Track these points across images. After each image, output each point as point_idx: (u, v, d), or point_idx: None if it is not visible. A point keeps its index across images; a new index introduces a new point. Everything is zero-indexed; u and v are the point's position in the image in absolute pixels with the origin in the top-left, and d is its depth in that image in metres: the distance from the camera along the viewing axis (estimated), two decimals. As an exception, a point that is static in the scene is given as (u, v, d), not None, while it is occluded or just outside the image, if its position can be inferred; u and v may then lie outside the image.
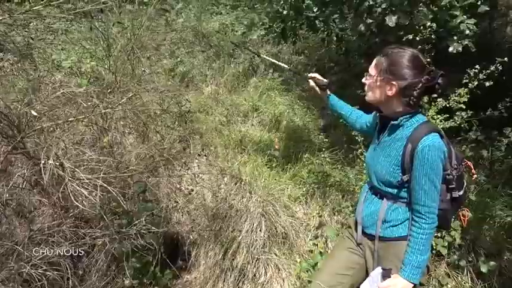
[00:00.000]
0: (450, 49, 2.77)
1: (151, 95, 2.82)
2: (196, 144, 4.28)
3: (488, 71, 2.80)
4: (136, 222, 2.19)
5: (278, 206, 3.11)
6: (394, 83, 1.63)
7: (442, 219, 1.71)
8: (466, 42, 2.73)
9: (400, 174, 1.67)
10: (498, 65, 2.80)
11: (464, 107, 2.78)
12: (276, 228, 2.97)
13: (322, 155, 3.77)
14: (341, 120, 2.30)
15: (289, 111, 5.08)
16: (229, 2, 8.13)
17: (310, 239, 3.24)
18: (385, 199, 1.78)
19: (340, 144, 4.20)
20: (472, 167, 1.79)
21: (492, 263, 2.76)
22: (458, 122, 2.90)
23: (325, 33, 3.71)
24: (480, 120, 3.37)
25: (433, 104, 2.87)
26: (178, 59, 5.52)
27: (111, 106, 2.26)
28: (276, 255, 2.86)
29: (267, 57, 2.46)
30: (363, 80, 1.78)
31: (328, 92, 2.18)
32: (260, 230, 2.83)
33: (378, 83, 1.69)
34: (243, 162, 3.51)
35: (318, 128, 4.96)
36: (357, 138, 3.36)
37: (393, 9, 2.60)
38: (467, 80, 2.86)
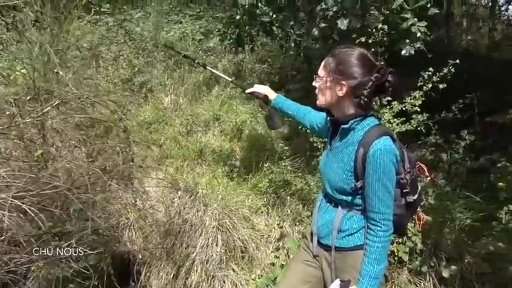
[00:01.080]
0: (403, 52, 2.76)
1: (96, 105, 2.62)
2: (152, 155, 4.09)
3: (442, 74, 2.80)
4: (70, 243, 1.98)
5: (236, 218, 2.97)
6: (343, 82, 1.55)
7: (398, 225, 1.63)
8: (418, 45, 2.73)
9: (354, 180, 1.58)
10: (451, 67, 2.80)
11: (419, 109, 2.76)
12: (234, 242, 2.82)
13: (283, 164, 3.68)
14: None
15: (252, 120, 4.98)
16: (193, 12, 8.02)
17: (271, 251, 3.12)
18: (339, 207, 1.68)
19: (302, 152, 4.13)
20: (426, 169, 1.73)
21: (453, 267, 2.73)
22: (414, 125, 2.87)
23: (283, 39, 3.66)
24: (437, 123, 3.38)
25: (389, 107, 2.84)
26: (136, 69, 5.32)
27: (33, 115, 2.06)
28: (233, 271, 2.70)
29: (206, 66, 2.34)
30: (313, 83, 1.69)
31: (272, 97, 2.09)
32: (216, 245, 2.67)
33: (328, 84, 1.61)
34: (200, 174, 3.35)
35: (281, 136, 4.88)
36: (316, 145, 3.30)
37: (344, 12, 2.56)
38: (421, 83, 2.85)
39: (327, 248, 1.74)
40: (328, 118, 1.72)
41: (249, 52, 3.92)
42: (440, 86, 2.79)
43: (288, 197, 3.41)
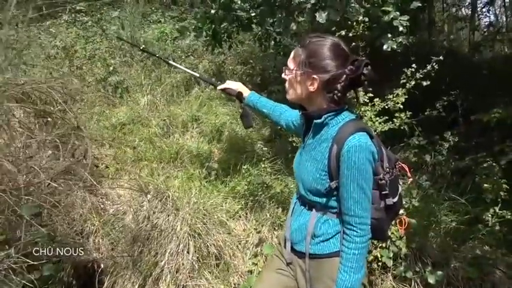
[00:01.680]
0: (384, 47, 2.63)
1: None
2: (125, 157, 3.87)
3: (425, 71, 2.69)
4: (8, 254, 1.77)
5: (211, 223, 2.78)
6: (315, 76, 1.40)
7: (377, 229, 1.49)
8: (400, 40, 2.61)
9: (328, 180, 1.44)
10: (434, 64, 2.69)
11: (402, 107, 2.64)
12: (207, 249, 2.63)
13: (263, 166, 3.51)
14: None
15: (232, 122, 4.80)
16: (175, 14, 7.82)
17: (249, 258, 2.94)
18: (313, 210, 1.53)
19: (283, 154, 3.98)
20: (408, 169, 1.59)
21: (439, 272, 2.61)
22: (397, 124, 2.74)
23: (263, 37, 3.50)
24: (421, 124, 3.28)
25: (370, 105, 2.71)
26: (111, 68, 5.09)
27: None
28: (207, 280, 2.51)
29: (172, 63, 2.17)
30: (282, 75, 1.54)
31: (245, 94, 1.94)
32: (188, 252, 2.48)
33: (298, 78, 1.46)
34: (175, 176, 3.16)
35: (261, 138, 4.71)
36: (297, 146, 3.15)
37: (323, 5, 2.43)
38: (404, 80, 2.73)
39: (301, 255, 1.59)
40: (300, 113, 1.57)
41: (227, 50, 3.73)
42: (424, 83, 2.68)
43: (267, 200, 3.24)
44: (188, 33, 3.24)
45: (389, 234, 2.57)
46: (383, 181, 1.44)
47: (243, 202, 3.31)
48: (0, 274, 1.94)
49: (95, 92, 4.93)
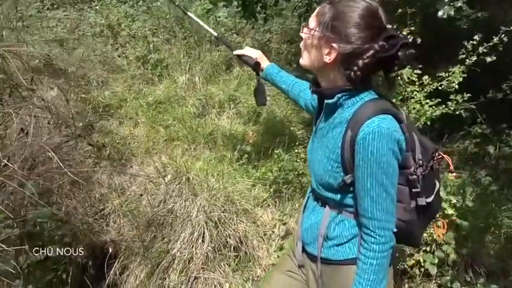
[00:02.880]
0: (439, 13, 2.16)
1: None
2: (158, 137, 3.78)
3: (491, 44, 2.21)
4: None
5: (233, 211, 2.58)
6: (334, 45, 1.11)
7: (406, 234, 1.21)
8: (459, 4, 2.13)
9: (342, 174, 1.16)
10: (503, 35, 2.20)
11: (457, 87, 2.20)
12: (226, 239, 2.43)
13: (296, 151, 3.22)
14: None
15: (272, 103, 4.53)
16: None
17: (274, 251, 2.71)
18: (327, 207, 1.27)
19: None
20: (450, 161, 1.24)
21: (494, 286, 2.19)
22: (452, 108, 2.30)
23: (302, 7, 3.14)
24: (483, 108, 2.77)
25: (418, 84, 2.29)
26: (151, 46, 5.02)
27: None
28: (223, 271, 2.32)
29: (194, 17, 1.93)
30: (300, 33, 1.25)
31: (264, 65, 1.68)
32: (203, 241, 2.30)
33: (315, 42, 1.16)
34: (197, 159, 2.99)
35: (302, 121, 4.40)
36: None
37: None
38: (464, 56, 2.27)
39: (313, 258, 1.34)
40: (310, 89, 1.28)
41: (263, 22, 3.43)
42: (488, 60, 2.20)
43: (298, 189, 2.96)
44: (220, 4, 2.99)
45: (435, 236, 2.19)
46: (414, 176, 1.14)
47: (272, 189, 3.07)
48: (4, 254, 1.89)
49: (135, 69, 4.90)
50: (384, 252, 1.11)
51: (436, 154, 1.19)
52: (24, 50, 2.76)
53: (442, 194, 2.27)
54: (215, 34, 1.84)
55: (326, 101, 1.18)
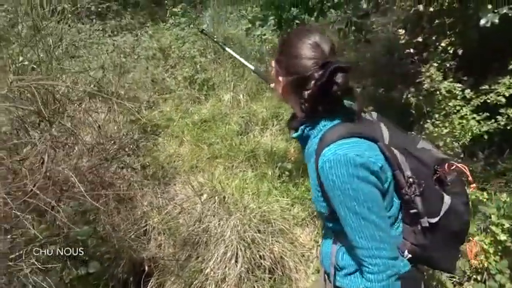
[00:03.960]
0: (482, 22, 1.98)
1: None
2: (202, 155, 3.88)
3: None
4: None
5: (269, 231, 2.55)
6: (279, 78, 1.16)
7: (427, 259, 1.17)
8: (504, 11, 1.94)
9: (325, 202, 1.13)
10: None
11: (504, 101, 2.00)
12: (261, 259, 2.41)
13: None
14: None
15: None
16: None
17: (312, 273, 2.63)
18: (333, 237, 1.25)
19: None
20: (468, 171, 1.12)
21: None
22: (502, 123, 2.10)
23: (342, 22, 3.08)
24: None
25: (461, 96, 2.11)
26: (198, 66, 5.22)
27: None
28: (256, 293, 2.29)
29: (231, 51, 1.97)
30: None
31: None
32: (236, 261, 2.29)
33: (274, 75, 1.22)
34: (235, 176, 3.01)
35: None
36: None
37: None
38: (514, 66, 2.07)
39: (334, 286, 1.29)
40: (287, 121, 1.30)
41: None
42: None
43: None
44: (258, 23, 3.04)
45: (479, 264, 1.98)
46: (407, 196, 1.09)
47: (311, 209, 3.00)
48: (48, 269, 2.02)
49: (183, 89, 5.11)
50: (381, 281, 1.04)
51: (440, 166, 1.09)
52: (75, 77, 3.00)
53: (493, 217, 2.06)
54: (252, 68, 1.86)
55: (291, 135, 1.20)
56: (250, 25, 3.12)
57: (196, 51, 5.83)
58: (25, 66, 2.10)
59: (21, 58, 2.05)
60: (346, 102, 1.17)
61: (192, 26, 6.96)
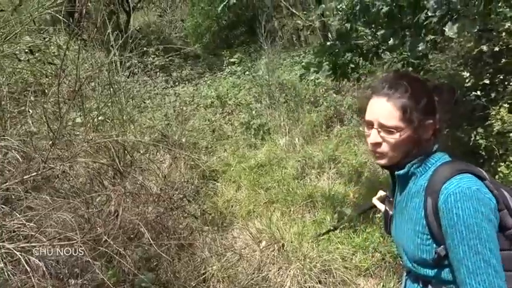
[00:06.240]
0: None
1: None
2: (259, 200, 3.89)
3: None
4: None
5: (330, 282, 2.44)
6: (430, 121, 1.11)
7: None
8: None
9: (434, 245, 1.04)
10: None
11: None
12: (322, 312, 2.29)
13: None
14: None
15: (373, 162, 4.34)
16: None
17: (379, 330, 2.45)
18: (422, 285, 1.13)
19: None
20: None
21: None
22: None
23: (398, 63, 3.06)
24: None
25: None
26: (254, 112, 5.38)
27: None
28: None
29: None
30: (371, 139, 1.17)
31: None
32: (297, 314, 2.20)
33: (406, 135, 1.09)
34: (294, 223, 2.96)
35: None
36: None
37: (454, 15, 1.89)
38: None
39: None
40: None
41: (356, 81, 3.43)
42: None
43: (404, 259, 2.68)
44: (312, 69, 3.11)
45: None
46: None
47: (375, 258, 2.83)
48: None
49: (240, 135, 5.26)
50: None
51: None
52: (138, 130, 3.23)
53: None
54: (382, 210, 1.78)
55: (396, 172, 1.12)
56: (304, 70, 3.19)
57: (252, 97, 6.04)
58: (101, 121, 2.34)
59: (98, 115, 2.27)
60: None
61: (247, 73, 7.28)
